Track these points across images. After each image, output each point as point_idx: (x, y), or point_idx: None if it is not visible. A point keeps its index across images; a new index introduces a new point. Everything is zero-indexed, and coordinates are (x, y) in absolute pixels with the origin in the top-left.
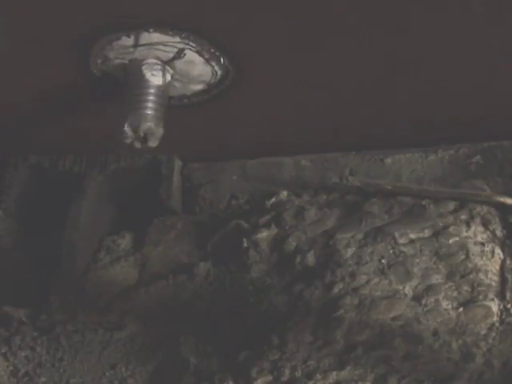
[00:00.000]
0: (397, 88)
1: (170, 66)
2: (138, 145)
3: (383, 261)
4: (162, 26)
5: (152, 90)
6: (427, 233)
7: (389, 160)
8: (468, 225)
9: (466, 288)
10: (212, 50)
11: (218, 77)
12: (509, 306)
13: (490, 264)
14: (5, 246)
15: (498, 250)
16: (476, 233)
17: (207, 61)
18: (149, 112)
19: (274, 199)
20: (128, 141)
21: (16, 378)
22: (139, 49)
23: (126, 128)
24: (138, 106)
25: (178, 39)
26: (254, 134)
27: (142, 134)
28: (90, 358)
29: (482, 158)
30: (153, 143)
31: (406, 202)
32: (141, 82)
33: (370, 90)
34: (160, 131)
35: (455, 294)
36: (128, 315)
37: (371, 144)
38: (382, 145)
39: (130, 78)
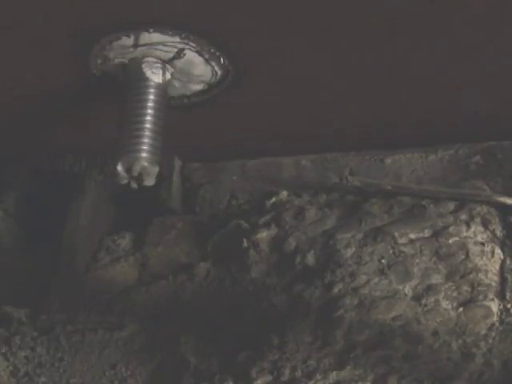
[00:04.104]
0: (397, 88)
1: (170, 65)
2: (134, 185)
3: (383, 261)
4: (162, 26)
5: (152, 89)
6: (427, 233)
7: (389, 160)
8: (468, 225)
9: (465, 288)
10: (212, 50)
11: (218, 77)
12: (509, 305)
13: (489, 264)
14: (5, 246)
15: (497, 250)
16: (476, 233)
17: (207, 61)
18: (143, 153)
19: (274, 199)
20: (124, 181)
21: (16, 378)
22: (139, 49)
23: (119, 168)
24: (134, 141)
25: (177, 39)
26: (253, 134)
27: (136, 174)
28: (89, 358)
29: (482, 158)
30: (148, 182)
31: (406, 202)
32: (141, 80)
33: (371, 90)
34: (155, 170)
35: (455, 293)
36: (128, 315)
37: (371, 144)
38: (382, 145)
39: (130, 77)
